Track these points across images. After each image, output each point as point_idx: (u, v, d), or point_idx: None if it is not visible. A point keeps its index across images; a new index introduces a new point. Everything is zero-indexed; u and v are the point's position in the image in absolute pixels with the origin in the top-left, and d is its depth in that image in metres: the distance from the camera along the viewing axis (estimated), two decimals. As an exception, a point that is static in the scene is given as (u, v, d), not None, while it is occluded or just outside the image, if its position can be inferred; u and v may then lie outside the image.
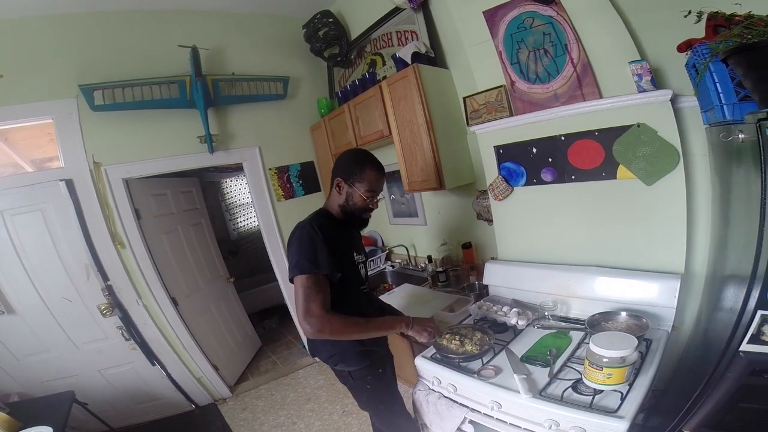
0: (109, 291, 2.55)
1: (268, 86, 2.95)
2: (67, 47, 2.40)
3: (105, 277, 2.53)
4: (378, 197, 1.48)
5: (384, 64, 2.69)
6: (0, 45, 2.24)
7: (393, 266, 3.05)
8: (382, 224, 3.29)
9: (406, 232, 3.02)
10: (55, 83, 2.36)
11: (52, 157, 2.58)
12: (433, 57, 2.22)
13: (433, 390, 1.55)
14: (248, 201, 5.11)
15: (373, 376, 1.53)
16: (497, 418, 1.32)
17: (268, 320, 4.45)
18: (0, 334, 2.39)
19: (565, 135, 1.64)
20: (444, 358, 1.50)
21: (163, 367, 2.78)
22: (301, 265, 1.28)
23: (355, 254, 1.53)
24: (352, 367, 1.49)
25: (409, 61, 2.10)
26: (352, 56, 2.99)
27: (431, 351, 1.58)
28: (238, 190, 5.20)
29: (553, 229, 1.82)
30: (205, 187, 4.17)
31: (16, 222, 2.34)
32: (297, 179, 3.23)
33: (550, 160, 1.71)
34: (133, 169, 2.64)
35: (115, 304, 2.56)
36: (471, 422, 1.42)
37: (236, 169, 3.21)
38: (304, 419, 2.67)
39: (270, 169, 3.10)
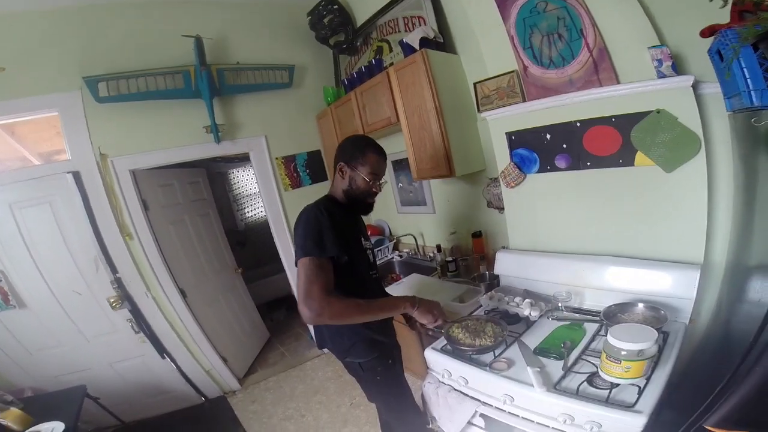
0: (118, 283, 2.56)
1: (273, 75, 2.91)
2: (70, 39, 2.38)
3: (114, 270, 2.55)
4: (381, 181, 1.47)
5: (391, 50, 2.63)
6: (1, 38, 2.22)
7: (401, 256, 3.03)
8: (389, 213, 3.27)
9: (414, 221, 2.99)
10: (59, 76, 2.35)
11: (59, 150, 2.58)
12: (442, 42, 2.16)
13: (443, 383, 1.53)
14: (255, 191, 5.11)
15: (383, 367, 1.51)
16: (509, 412, 1.30)
17: (277, 312, 4.48)
18: (13, 328, 2.42)
19: (580, 121, 1.58)
20: (455, 350, 1.48)
21: (172, 359, 2.81)
22: (306, 248, 1.25)
23: (362, 239, 1.51)
24: (361, 358, 1.47)
25: (417, 47, 2.04)
26: (358, 43, 2.93)
27: (441, 342, 1.56)
28: (245, 181, 5.20)
29: (566, 217, 1.77)
30: (212, 177, 4.15)
31: (25, 215, 2.35)
32: (304, 168, 3.21)
33: (564, 146, 1.66)
34: (139, 160, 2.63)
35: (125, 297, 2.58)
36: (482, 416, 1.40)
37: (243, 159, 3.20)
38: (313, 411, 2.68)
39: (277, 158, 3.08)
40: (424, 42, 2.06)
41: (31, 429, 1.82)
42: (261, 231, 5.18)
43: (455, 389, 1.48)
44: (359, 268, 1.44)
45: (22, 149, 2.63)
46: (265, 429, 2.62)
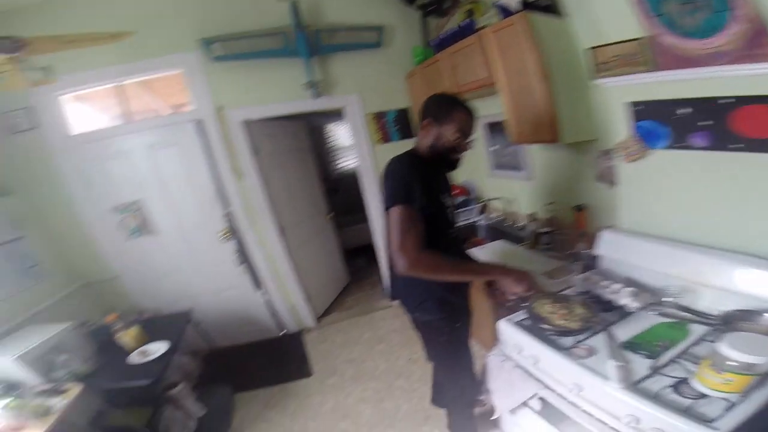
0: (229, 218, 2.95)
1: (364, 36, 2.95)
2: (189, 5, 2.67)
3: (226, 205, 2.93)
4: (469, 139, 1.44)
5: (484, 13, 2.37)
6: (132, 6, 2.57)
7: (488, 220, 2.96)
8: (479, 174, 3.16)
9: (507, 185, 2.85)
10: (181, 38, 2.67)
11: (184, 103, 2.96)
12: (550, 4, 1.88)
13: (509, 357, 1.50)
14: (348, 144, 5.37)
15: (451, 328, 1.52)
16: (571, 401, 1.25)
17: (358, 259, 4.73)
18: (147, 254, 2.96)
19: (729, 97, 1.30)
20: (534, 327, 1.42)
21: (264, 292, 3.20)
22: (399, 196, 1.28)
23: (442, 196, 1.49)
24: (431, 315, 1.49)
25: (520, 8, 1.79)
26: (447, 6, 2.76)
27: (521, 316, 1.51)
28: (338, 134, 5.55)
29: (695, 201, 1.52)
30: (311, 130, 4.44)
31: (159, 155, 2.81)
32: (393, 124, 3.24)
33: (704, 123, 1.39)
34: (250, 112, 2.91)
35: (233, 231, 2.97)
36: (541, 399, 1.36)
37: (338, 114, 3.32)
38: (374, 359, 2.87)
39: (368, 114, 3.15)
40: (527, 4, 1.81)
41: (140, 348, 2.21)
42: (350, 181, 5.48)
43: (520, 366, 1.45)
44: (439, 224, 1.42)
45: (156, 101, 3.09)
46: (329, 368, 2.87)
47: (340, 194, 5.41)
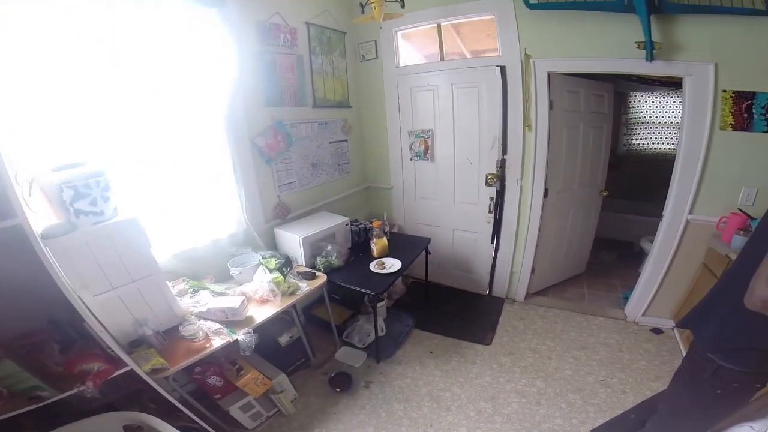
0: (501, 164, 2.99)
1: None
2: None
3: (504, 152, 2.97)
4: None
5: None
6: None
7: None
8: None
9: None
10: None
11: (486, 49, 3.01)
12: None
13: None
14: (653, 120, 4.39)
15: (745, 387, 1.21)
16: None
17: (606, 252, 4.10)
18: (418, 176, 3.41)
19: None
20: None
21: (497, 248, 3.20)
22: None
23: None
24: (739, 366, 1.17)
25: None
26: None
27: None
28: (645, 107, 4.42)
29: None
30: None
31: (457, 93, 3.04)
32: (763, 111, 2.24)
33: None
34: (558, 64, 2.67)
35: (500, 177, 3.01)
36: None
37: (662, 84, 2.56)
38: (561, 360, 2.61)
39: (725, 91, 2.27)
40: None
41: (380, 258, 2.58)
42: (638, 163, 4.53)
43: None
44: None
45: (461, 45, 3.25)
46: (509, 347, 2.76)
47: (620, 174, 4.53)
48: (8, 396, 1.38)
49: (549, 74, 2.69)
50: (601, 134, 3.27)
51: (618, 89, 4.21)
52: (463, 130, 3.09)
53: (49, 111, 1.57)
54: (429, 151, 3.27)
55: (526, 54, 2.67)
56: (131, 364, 1.55)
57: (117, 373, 1.53)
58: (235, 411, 2.03)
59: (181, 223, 2.14)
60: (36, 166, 1.47)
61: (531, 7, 2.49)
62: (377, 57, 3.21)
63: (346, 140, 3.34)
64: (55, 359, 1.49)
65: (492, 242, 3.23)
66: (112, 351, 1.50)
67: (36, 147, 1.54)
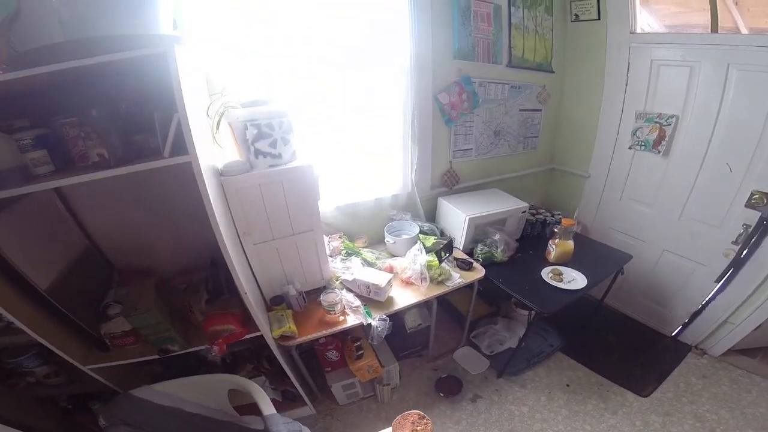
0: None
1: None
2: None
3: None
4: None
5: None
6: None
7: None
8: None
9: None
10: None
11: None
12: None
13: None
14: None
15: None
16: None
17: None
18: (637, 170, 2.58)
19: None
20: None
21: (721, 289, 2.31)
22: None
23: None
24: None
25: None
26: None
27: None
28: None
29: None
30: None
31: (735, 77, 2.02)
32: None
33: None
34: None
35: None
36: None
37: None
38: None
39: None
40: None
41: (557, 265, 2.11)
42: None
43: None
44: None
45: (737, 16, 2.15)
46: (668, 408, 2.16)
47: None
48: (142, 342, 1.48)
49: None
50: None
51: None
52: (733, 124, 2.10)
53: (248, 47, 1.55)
54: (663, 142, 2.38)
55: None
56: (262, 330, 1.52)
57: (246, 336, 1.52)
58: (336, 388, 2.01)
59: (349, 176, 2.09)
60: (227, 99, 1.45)
61: None
62: (599, 18, 2.47)
63: (540, 110, 2.76)
64: (200, 306, 1.54)
65: (717, 281, 2.31)
66: (251, 310, 1.46)
67: (231, 80, 1.53)
